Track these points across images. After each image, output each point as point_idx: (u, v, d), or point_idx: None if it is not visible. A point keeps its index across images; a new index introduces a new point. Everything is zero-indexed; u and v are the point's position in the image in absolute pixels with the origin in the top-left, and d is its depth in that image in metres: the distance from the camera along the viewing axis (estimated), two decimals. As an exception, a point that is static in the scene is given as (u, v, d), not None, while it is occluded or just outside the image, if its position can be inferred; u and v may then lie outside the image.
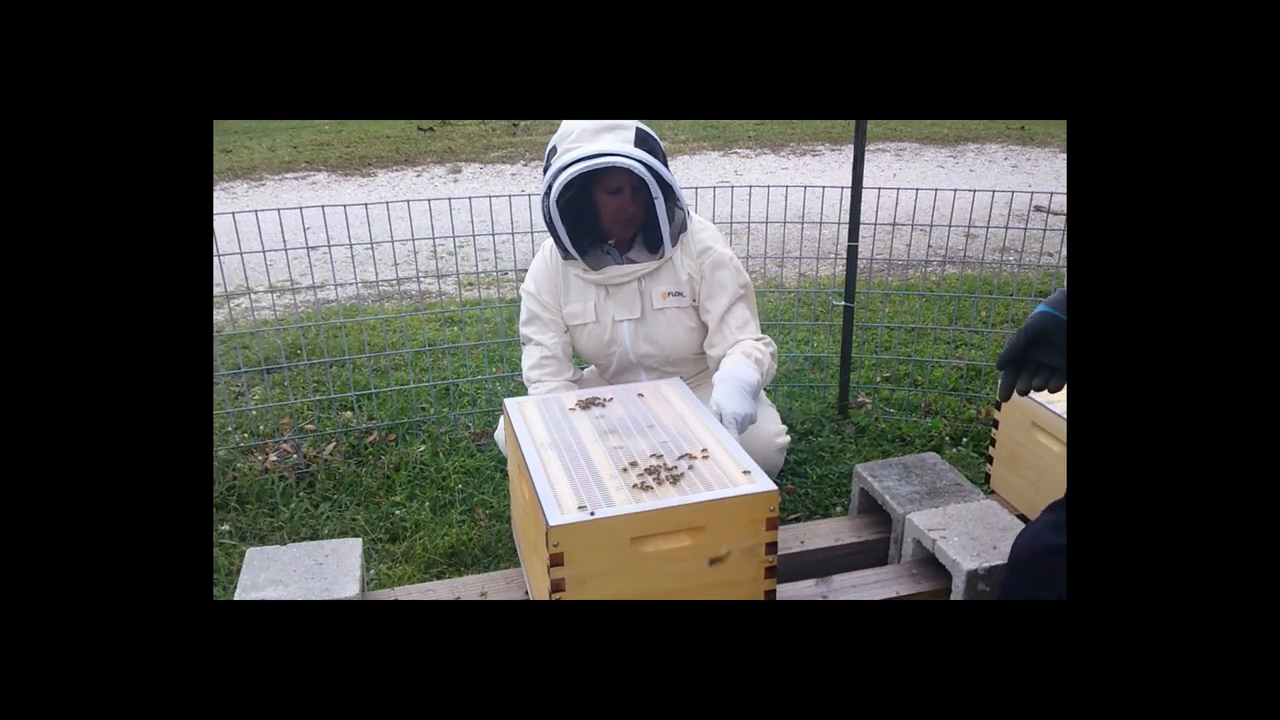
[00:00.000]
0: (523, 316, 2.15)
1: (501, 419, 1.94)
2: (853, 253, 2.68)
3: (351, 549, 1.63)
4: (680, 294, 2.04)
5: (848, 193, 2.61)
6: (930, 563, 1.75)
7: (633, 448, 1.57)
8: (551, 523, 1.32)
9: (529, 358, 2.14)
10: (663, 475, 1.46)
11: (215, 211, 2.45)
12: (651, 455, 1.53)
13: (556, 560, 1.33)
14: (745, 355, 1.93)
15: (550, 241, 2.05)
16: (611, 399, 1.77)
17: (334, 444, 2.69)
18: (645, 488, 1.43)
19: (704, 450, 1.55)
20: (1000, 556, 1.64)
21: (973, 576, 1.62)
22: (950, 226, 3.34)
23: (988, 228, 2.89)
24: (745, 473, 1.47)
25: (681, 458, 1.52)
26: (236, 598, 1.49)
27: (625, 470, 1.49)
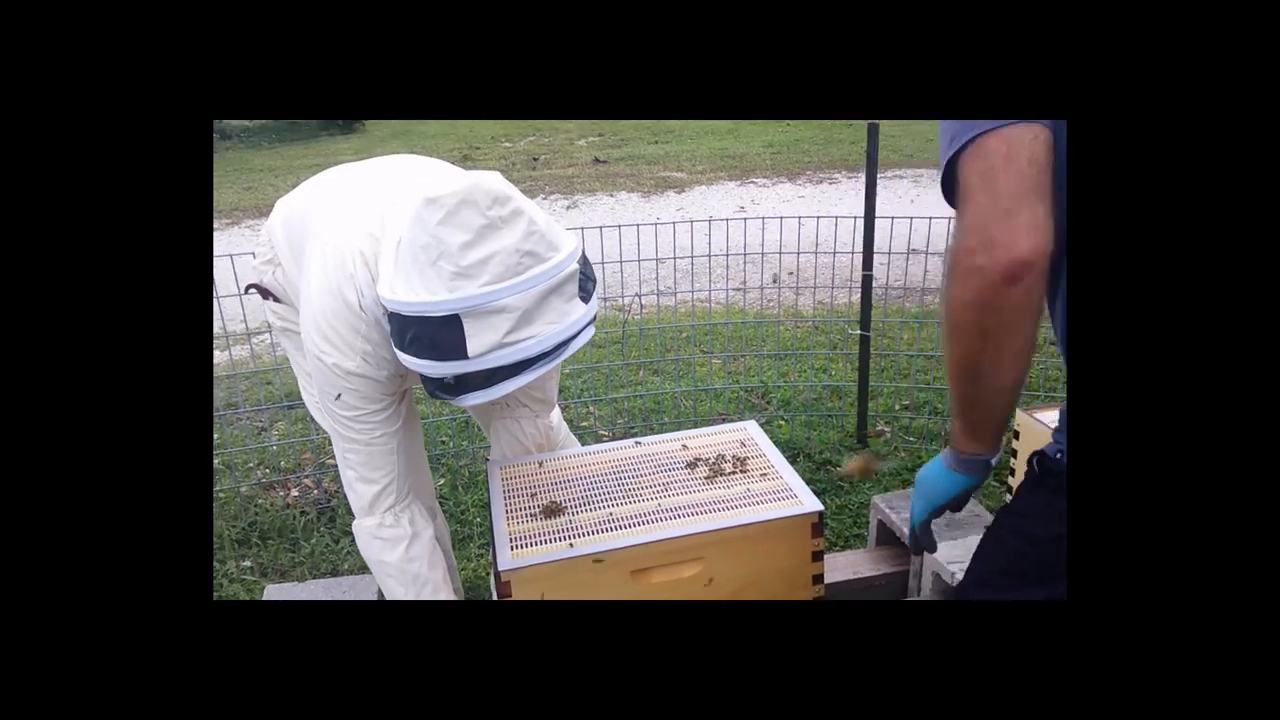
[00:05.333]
0: (348, 413, 1.40)
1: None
2: (867, 282, 2.68)
3: (368, 585, 1.64)
4: None
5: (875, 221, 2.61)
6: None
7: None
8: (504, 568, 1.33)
9: (391, 523, 1.49)
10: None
11: (239, 251, 2.50)
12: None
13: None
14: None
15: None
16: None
17: (354, 479, 2.71)
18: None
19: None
20: (1020, 588, 1.62)
21: (993, 609, 1.60)
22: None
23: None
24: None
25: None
26: (255, 636, 1.50)
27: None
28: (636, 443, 1.71)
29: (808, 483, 2.62)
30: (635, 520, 1.45)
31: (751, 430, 1.73)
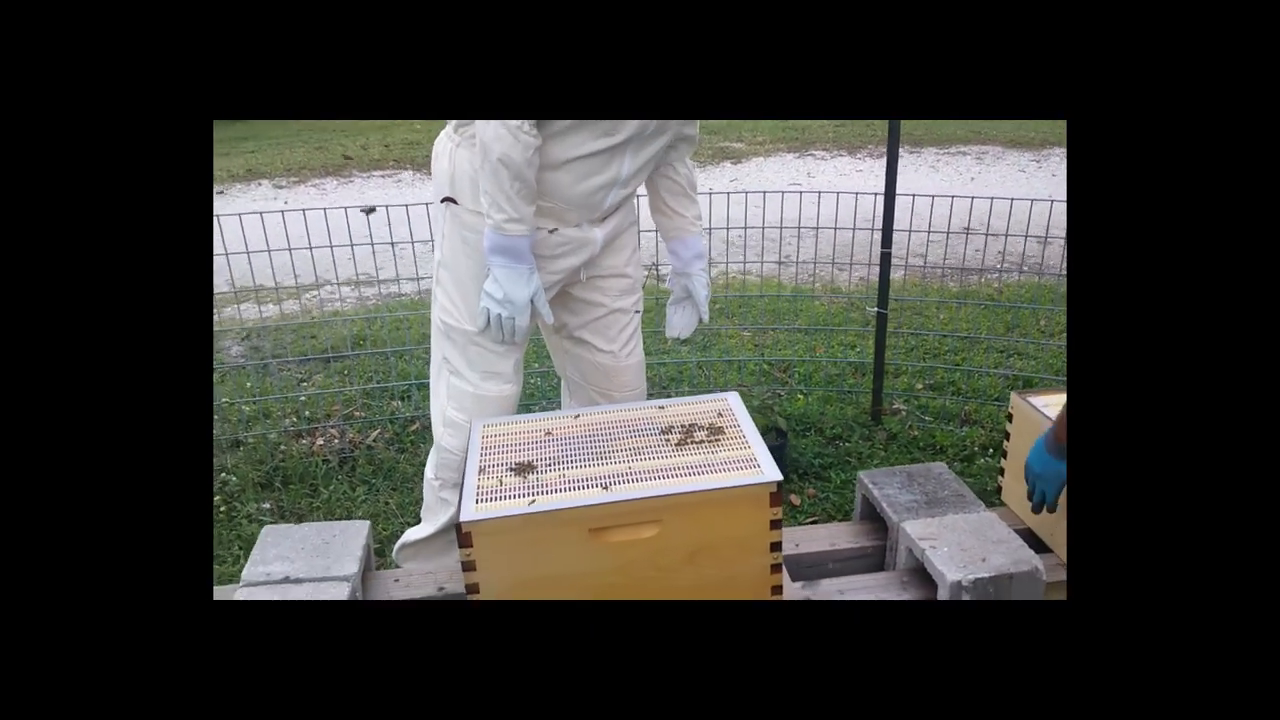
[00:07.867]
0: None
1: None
2: (885, 259, 2.67)
3: (358, 530, 1.74)
4: None
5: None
6: (920, 572, 1.75)
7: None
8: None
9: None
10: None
11: (296, 208, 2.62)
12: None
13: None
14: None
15: None
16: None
17: (379, 431, 2.83)
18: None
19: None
20: (989, 569, 1.63)
21: (956, 587, 1.62)
22: (1007, 235, 3.24)
23: (1045, 238, 2.83)
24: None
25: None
26: (244, 572, 1.61)
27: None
28: (612, 408, 1.76)
29: (815, 457, 2.65)
30: (601, 481, 1.51)
31: (732, 401, 1.77)
